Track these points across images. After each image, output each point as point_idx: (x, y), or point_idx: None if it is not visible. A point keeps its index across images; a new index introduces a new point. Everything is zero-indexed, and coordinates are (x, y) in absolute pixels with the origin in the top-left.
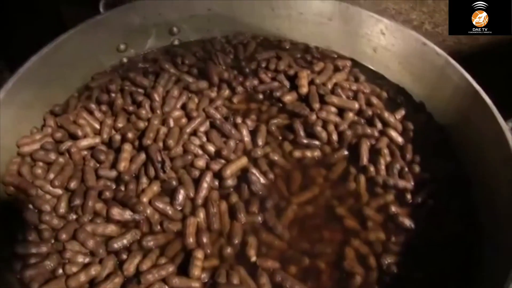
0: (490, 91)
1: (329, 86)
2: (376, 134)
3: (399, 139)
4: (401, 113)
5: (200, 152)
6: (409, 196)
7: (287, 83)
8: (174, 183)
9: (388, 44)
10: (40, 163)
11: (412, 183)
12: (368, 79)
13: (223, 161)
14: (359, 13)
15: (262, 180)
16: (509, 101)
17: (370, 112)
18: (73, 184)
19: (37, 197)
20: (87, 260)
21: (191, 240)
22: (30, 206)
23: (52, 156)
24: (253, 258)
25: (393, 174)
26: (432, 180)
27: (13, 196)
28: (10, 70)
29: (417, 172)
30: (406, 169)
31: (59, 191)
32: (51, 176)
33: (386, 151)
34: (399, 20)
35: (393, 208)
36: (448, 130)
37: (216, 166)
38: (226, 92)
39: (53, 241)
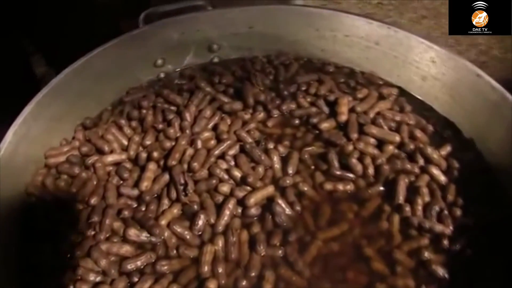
0: None
1: (371, 115)
2: (417, 170)
3: (442, 178)
4: (446, 149)
5: (225, 176)
6: (446, 242)
7: (326, 109)
8: (195, 207)
9: (439, 73)
10: (64, 176)
11: (451, 228)
12: (414, 109)
13: (248, 188)
14: (408, 38)
15: (287, 211)
16: None
17: (412, 146)
18: (93, 200)
19: (57, 210)
20: (98, 279)
21: (206, 268)
22: (50, 218)
23: (76, 170)
24: None
25: (430, 216)
26: (475, 228)
27: (34, 208)
28: None
29: (458, 216)
30: (446, 212)
31: (79, 207)
32: (73, 190)
33: (425, 190)
34: (464, 43)
35: (427, 254)
36: (498, 173)
37: (240, 193)
38: (261, 115)
39: (68, 256)
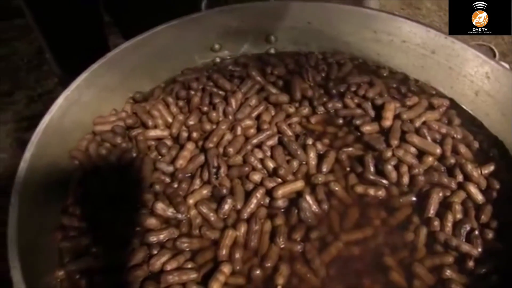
0: None
1: (417, 124)
2: (454, 186)
3: (479, 197)
4: (489, 168)
5: (259, 166)
6: (471, 264)
7: (371, 112)
8: (224, 191)
9: (492, 89)
10: (107, 144)
11: (479, 250)
12: (463, 124)
13: (279, 180)
14: (465, 50)
15: (314, 208)
16: None
17: (453, 161)
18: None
19: (94, 176)
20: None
21: (224, 252)
22: (87, 183)
23: (119, 140)
24: (279, 287)
25: (459, 235)
26: (507, 254)
27: (75, 170)
28: None
29: (489, 239)
30: (477, 232)
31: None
32: (112, 158)
33: (458, 207)
34: None
35: (448, 272)
36: None
37: (270, 184)
38: (306, 110)
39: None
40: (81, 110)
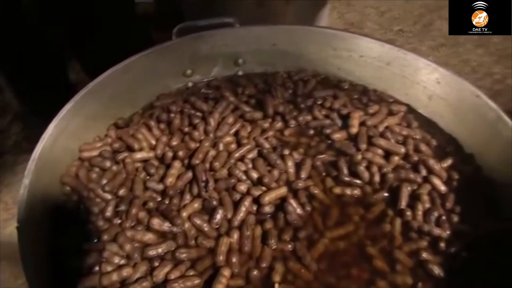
0: None
1: (380, 129)
2: (419, 180)
3: (442, 188)
4: (448, 162)
5: (243, 177)
6: (443, 245)
7: (339, 122)
8: (214, 203)
9: (443, 93)
10: (96, 169)
11: (448, 232)
12: (420, 126)
13: (264, 188)
14: (416, 60)
15: (298, 211)
16: None
17: (416, 158)
18: (122, 191)
19: (88, 199)
20: (122, 262)
21: (221, 258)
22: (81, 206)
23: (108, 163)
24: (277, 285)
25: (429, 221)
26: (471, 234)
27: (68, 195)
28: None
29: (455, 222)
30: (444, 217)
31: (108, 196)
32: (104, 181)
33: (426, 197)
34: (480, 72)
35: (425, 255)
36: (495, 185)
37: (256, 192)
38: (279, 124)
39: (95, 240)
40: (68, 138)
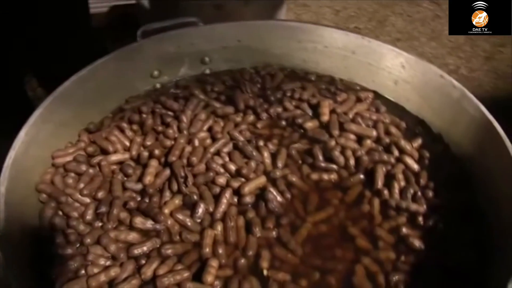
0: None
1: (350, 115)
2: (393, 160)
3: (415, 166)
4: (418, 142)
5: (221, 170)
6: (420, 219)
7: (309, 112)
8: (195, 197)
9: (408, 77)
10: (72, 174)
11: (425, 207)
12: (389, 110)
13: (243, 179)
14: (380, 46)
15: (279, 198)
16: None
17: (387, 140)
18: (100, 194)
19: (66, 204)
20: (108, 263)
21: (207, 250)
22: (60, 212)
23: (83, 167)
24: (265, 270)
25: (406, 198)
26: (445, 207)
27: (45, 203)
28: None
29: (430, 197)
30: (420, 193)
31: (87, 200)
32: (81, 185)
33: (400, 176)
34: (435, 63)
35: (404, 230)
36: (463, 160)
37: (235, 184)
38: (251, 118)
39: (78, 245)
40: (39, 146)
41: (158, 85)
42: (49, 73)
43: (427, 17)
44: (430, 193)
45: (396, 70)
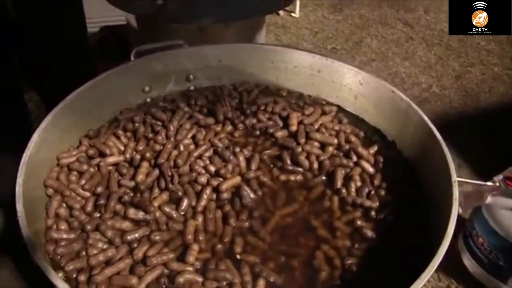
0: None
1: (316, 126)
2: (351, 164)
3: (370, 169)
4: (374, 148)
5: (203, 171)
6: (373, 213)
7: (280, 123)
8: (180, 194)
9: (366, 92)
10: (75, 172)
11: (377, 203)
12: (350, 121)
13: (221, 179)
14: (342, 66)
15: (252, 195)
16: None
17: (347, 147)
18: (99, 189)
19: (70, 197)
20: (105, 246)
21: (189, 237)
22: (64, 204)
23: (85, 167)
24: (238, 255)
25: (361, 196)
26: (395, 202)
27: (51, 196)
28: None
29: (382, 195)
30: (373, 192)
31: (87, 194)
32: (83, 182)
33: (357, 177)
34: (408, 82)
35: (359, 222)
36: (413, 162)
37: (215, 182)
38: (229, 128)
39: (80, 231)
40: (48, 148)
41: (148, 99)
42: (50, 89)
43: (400, 38)
44: (383, 192)
45: (355, 86)
